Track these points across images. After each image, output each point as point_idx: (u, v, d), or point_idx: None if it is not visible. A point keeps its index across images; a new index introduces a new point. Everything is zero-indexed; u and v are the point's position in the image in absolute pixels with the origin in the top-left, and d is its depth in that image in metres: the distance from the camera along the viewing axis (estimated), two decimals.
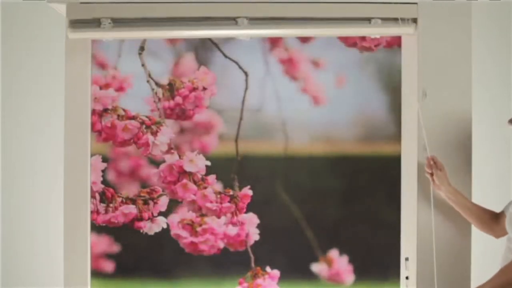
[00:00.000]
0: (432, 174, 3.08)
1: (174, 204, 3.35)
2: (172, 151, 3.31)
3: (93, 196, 3.29)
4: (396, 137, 3.37)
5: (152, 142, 3.29)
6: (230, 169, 3.39)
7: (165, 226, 3.33)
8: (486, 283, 2.79)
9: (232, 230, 3.36)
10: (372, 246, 3.49)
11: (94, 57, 3.35)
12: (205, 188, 3.30)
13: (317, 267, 3.50)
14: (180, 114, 3.35)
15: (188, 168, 3.29)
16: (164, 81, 3.35)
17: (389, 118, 3.47)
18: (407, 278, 3.21)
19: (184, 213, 3.36)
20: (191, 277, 3.52)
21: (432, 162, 3.09)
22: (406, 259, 3.23)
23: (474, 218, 3.06)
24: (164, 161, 3.31)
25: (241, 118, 3.41)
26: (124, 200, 3.32)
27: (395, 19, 3.17)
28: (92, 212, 3.29)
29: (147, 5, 3.17)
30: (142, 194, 3.33)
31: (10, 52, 3.86)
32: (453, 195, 3.07)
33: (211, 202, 3.30)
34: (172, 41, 3.44)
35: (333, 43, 3.38)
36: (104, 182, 3.33)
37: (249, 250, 3.38)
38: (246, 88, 3.41)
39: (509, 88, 3.84)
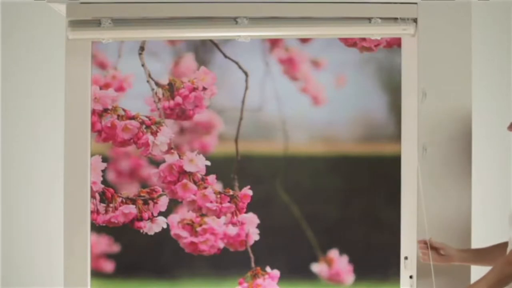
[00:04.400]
0: (436, 249, 3.04)
1: (174, 204, 3.35)
2: (172, 151, 3.31)
3: (93, 196, 3.29)
4: (396, 137, 3.37)
5: (152, 142, 3.29)
6: (230, 169, 3.39)
7: (165, 226, 3.33)
8: (481, 280, 2.78)
9: (232, 230, 3.36)
10: (372, 246, 3.49)
11: (94, 57, 3.35)
12: (205, 188, 3.30)
13: (317, 267, 3.50)
14: (180, 114, 3.35)
15: (188, 168, 3.29)
16: (164, 81, 3.35)
17: (389, 118, 3.48)
18: (411, 277, 3.20)
19: (184, 213, 3.36)
20: (191, 277, 3.53)
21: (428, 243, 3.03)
22: (405, 258, 3.23)
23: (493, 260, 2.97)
24: (164, 161, 3.31)
25: (241, 118, 3.41)
26: (124, 200, 3.32)
27: (395, 19, 3.17)
28: (92, 212, 3.29)
29: (147, 5, 3.17)
30: (142, 194, 3.33)
31: (10, 52, 3.86)
32: (468, 256, 3.02)
33: (211, 202, 3.30)
34: (172, 41, 3.44)
35: (333, 43, 3.38)
36: (104, 182, 3.33)
37: (249, 250, 3.38)
38: (246, 88, 3.41)
39: (509, 88, 3.84)
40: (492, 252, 2.99)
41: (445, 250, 3.03)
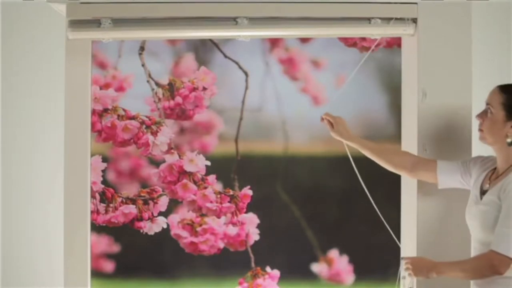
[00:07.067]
0: (331, 124, 3.10)
1: (174, 204, 3.35)
2: (172, 151, 3.31)
3: (93, 196, 3.29)
4: (396, 137, 3.37)
5: (152, 142, 3.29)
6: (230, 169, 3.39)
7: (165, 226, 3.33)
8: (455, 264, 2.78)
9: (232, 230, 3.36)
10: (372, 246, 3.49)
11: (94, 57, 3.35)
12: (205, 188, 3.30)
13: (317, 267, 3.50)
14: (180, 114, 3.35)
15: (188, 168, 3.29)
16: (164, 81, 3.36)
17: (389, 118, 3.48)
18: (403, 278, 3.21)
19: (184, 213, 3.36)
20: (191, 277, 3.53)
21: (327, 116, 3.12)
22: (402, 258, 3.23)
23: (384, 158, 3.06)
24: (164, 161, 3.31)
25: (241, 118, 3.41)
26: (124, 200, 3.32)
27: (395, 19, 3.17)
28: (92, 212, 3.29)
29: (147, 5, 3.17)
30: (142, 194, 3.33)
31: (10, 52, 3.86)
32: (357, 139, 3.09)
33: (211, 202, 3.30)
34: (172, 41, 3.45)
35: (333, 43, 3.38)
36: (104, 182, 3.33)
37: (249, 250, 3.38)
38: (246, 88, 3.41)
39: None
40: (385, 151, 3.07)
41: (337, 127, 3.10)
